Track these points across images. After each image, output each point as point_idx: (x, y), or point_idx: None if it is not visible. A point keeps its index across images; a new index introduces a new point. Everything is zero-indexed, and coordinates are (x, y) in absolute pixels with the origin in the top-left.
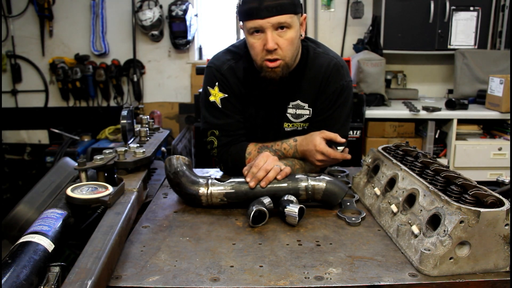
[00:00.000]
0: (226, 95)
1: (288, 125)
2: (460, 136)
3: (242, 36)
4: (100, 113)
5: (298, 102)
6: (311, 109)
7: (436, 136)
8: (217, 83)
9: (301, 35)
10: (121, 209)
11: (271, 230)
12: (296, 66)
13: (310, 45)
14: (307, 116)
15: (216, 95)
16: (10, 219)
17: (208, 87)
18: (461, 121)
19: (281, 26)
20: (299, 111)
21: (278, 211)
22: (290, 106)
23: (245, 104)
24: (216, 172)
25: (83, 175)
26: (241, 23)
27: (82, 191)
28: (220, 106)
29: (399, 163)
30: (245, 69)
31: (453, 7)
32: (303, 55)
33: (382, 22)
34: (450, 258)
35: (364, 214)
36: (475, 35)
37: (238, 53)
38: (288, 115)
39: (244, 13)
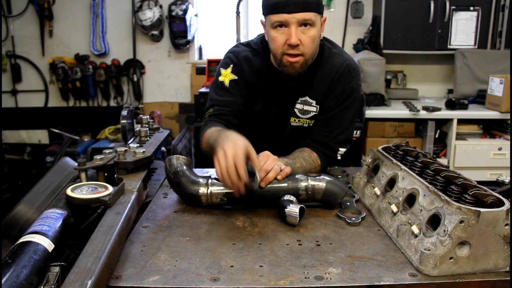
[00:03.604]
0: (236, 78)
1: (295, 120)
2: (460, 136)
3: (242, 36)
4: (100, 113)
5: (307, 98)
6: (318, 106)
7: (436, 136)
8: (231, 65)
9: (321, 35)
10: (121, 209)
11: (271, 230)
12: (310, 63)
13: (326, 45)
14: (314, 113)
15: (226, 76)
16: (10, 219)
17: (221, 69)
18: (461, 121)
19: (305, 23)
20: (306, 107)
21: (278, 211)
22: (299, 101)
23: (253, 98)
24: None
25: (83, 175)
26: (263, 17)
27: (82, 191)
28: (228, 86)
29: (399, 163)
30: (259, 65)
31: (453, 7)
32: (318, 53)
33: (382, 22)
34: (450, 258)
35: (364, 214)
36: (475, 35)
37: (256, 49)
38: (296, 110)
39: (270, 7)
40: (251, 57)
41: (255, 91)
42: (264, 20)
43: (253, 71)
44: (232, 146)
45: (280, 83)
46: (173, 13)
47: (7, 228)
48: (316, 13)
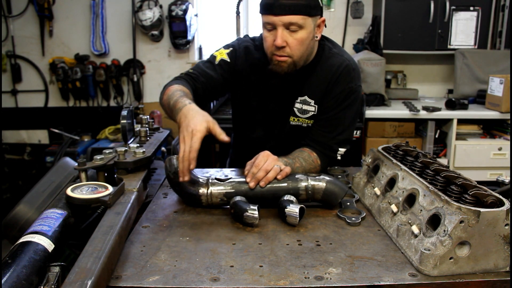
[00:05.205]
0: (228, 61)
1: (294, 119)
2: (460, 136)
3: (242, 36)
4: (100, 113)
5: (306, 97)
6: (316, 106)
7: (436, 136)
8: (231, 49)
9: (316, 37)
10: (121, 209)
11: (271, 230)
12: (309, 63)
13: (327, 45)
14: (312, 113)
15: (221, 54)
16: (10, 219)
17: (222, 48)
18: (461, 121)
19: (292, 26)
20: (305, 107)
21: (278, 211)
22: (298, 100)
23: (247, 91)
24: (216, 172)
25: (83, 175)
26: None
27: (82, 191)
28: (216, 63)
29: (399, 163)
30: (257, 59)
31: (453, 7)
32: (318, 53)
33: (382, 22)
34: (450, 258)
35: (364, 214)
36: (475, 35)
37: (257, 45)
38: (295, 109)
39: (261, 7)
40: (252, 50)
41: (247, 83)
42: None
43: (248, 63)
44: (189, 134)
45: (274, 80)
46: (173, 13)
47: (7, 228)
48: (306, 16)
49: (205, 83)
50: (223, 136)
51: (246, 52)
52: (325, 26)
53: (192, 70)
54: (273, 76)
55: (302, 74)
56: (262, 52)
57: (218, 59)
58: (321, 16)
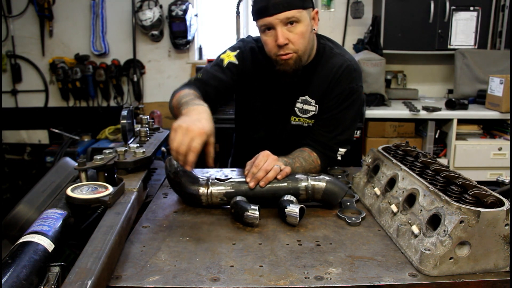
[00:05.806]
0: (237, 63)
1: (295, 119)
2: (460, 136)
3: (242, 36)
4: (100, 113)
5: (307, 97)
6: (317, 106)
7: (436, 136)
8: (238, 51)
9: (314, 29)
10: (121, 209)
11: (271, 230)
12: (310, 62)
13: (328, 44)
14: (313, 113)
15: (229, 56)
16: (10, 219)
17: (228, 50)
18: (461, 121)
19: (290, 21)
20: (306, 106)
21: (278, 211)
22: (299, 100)
23: (251, 93)
24: (216, 172)
25: (83, 175)
26: (255, 23)
27: (82, 191)
28: (225, 65)
29: (399, 163)
30: (261, 60)
31: (453, 7)
32: (318, 52)
33: (382, 22)
34: (450, 258)
35: (364, 214)
36: (475, 35)
37: (260, 46)
38: (296, 109)
39: (255, 13)
40: (256, 51)
41: (252, 85)
42: None
43: (254, 64)
44: (197, 130)
45: (278, 81)
46: (173, 13)
47: (7, 228)
48: (300, 9)
49: (217, 86)
50: (211, 160)
51: (252, 53)
52: (318, 28)
53: (201, 75)
54: (277, 77)
55: (304, 74)
56: (265, 53)
57: (226, 62)
58: (313, 8)
